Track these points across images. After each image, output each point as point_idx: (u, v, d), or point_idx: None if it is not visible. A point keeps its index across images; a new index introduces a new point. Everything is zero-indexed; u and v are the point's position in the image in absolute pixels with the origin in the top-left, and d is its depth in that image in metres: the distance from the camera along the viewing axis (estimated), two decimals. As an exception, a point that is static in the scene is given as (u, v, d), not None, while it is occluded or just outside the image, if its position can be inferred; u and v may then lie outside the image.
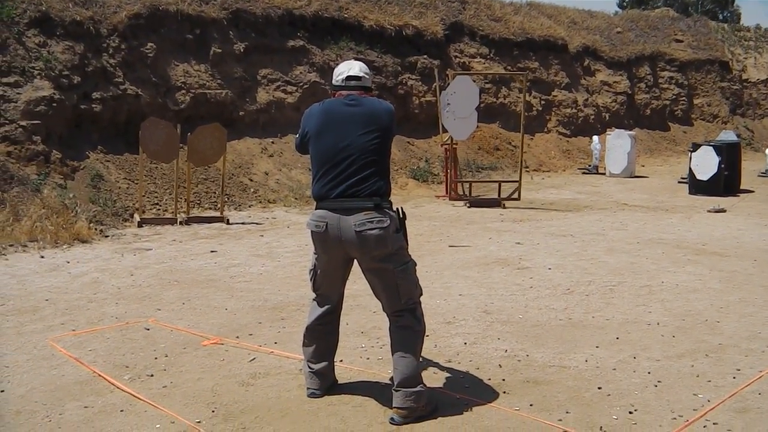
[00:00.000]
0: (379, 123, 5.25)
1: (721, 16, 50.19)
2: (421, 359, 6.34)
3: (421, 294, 5.43)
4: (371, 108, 5.30)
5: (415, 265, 5.40)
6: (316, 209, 5.31)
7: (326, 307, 5.59)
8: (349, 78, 5.43)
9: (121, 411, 5.31)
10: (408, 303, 5.29)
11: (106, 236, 12.02)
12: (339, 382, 5.81)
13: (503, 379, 6.03)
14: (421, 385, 5.26)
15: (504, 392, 5.77)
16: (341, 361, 6.11)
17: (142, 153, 13.37)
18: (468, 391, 5.77)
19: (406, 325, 5.29)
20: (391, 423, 5.13)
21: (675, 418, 5.32)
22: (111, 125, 15.61)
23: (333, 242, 5.24)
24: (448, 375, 6.11)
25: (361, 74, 5.45)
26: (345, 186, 5.17)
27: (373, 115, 5.26)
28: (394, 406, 5.20)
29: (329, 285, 5.55)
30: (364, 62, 5.88)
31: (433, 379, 5.98)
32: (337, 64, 5.66)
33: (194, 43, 17.71)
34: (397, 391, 5.20)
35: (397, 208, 5.37)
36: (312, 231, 5.32)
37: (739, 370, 6.34)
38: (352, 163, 5.17)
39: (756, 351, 6.83)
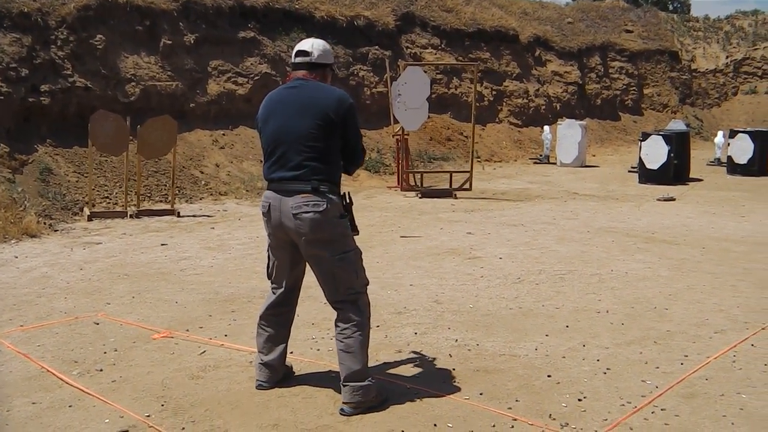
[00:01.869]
0: (318, 108, 5.12)
1: (671, 7, 50.59)
2: (414, 354, 6.34)
3: (367, 284, 5.38)
4: (312, 92, 5.20)
5: (360, 254, 5.34)
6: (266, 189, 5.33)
7: (278, 294, 5.56)
8: (297, 53, 5.35)
9: (70, 406, 5.28)
10: (348, 293, 5.24)
11: (56, 230, 11.91)
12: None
13: (453, 369, 6.07)
14: (370, 379, 5.24)
15: (454, 381, 5.81)
16: (291, 352, 6.10)
17: (91, 146, 13.25)
18: (418, 380, 5.81)
19: (347, 320, 5.25)
20: (341, 414, 5.14)
21: (624, 405, 5.39)
22: (60, 118, 15.44)
23: (276, 223, 5.22)
24: (398, 365, 6.14)
25: (311, 49, 5.32)
26: (285, 169, 5.14)
27: (311, 99, 5.16)
28: (342, 400, 5.20)
29: (279, 270, 5.50)
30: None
31: (384, 369, 6.01)
32: (288, 56, 5.61)
33: (144, 34, 17.57)
34: (344, 386, 5.20)
35: (344, 193, 5.32)
36: (262, 212, 5.32)
37: (686, 356, 6.44)
38: (290, 147, 5.13)
39: (704, 337, 6.94)
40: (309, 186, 5.08)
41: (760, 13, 37.55)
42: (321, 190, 5.09)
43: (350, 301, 5.26)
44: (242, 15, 19.75)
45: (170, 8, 18.13)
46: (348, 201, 5.33)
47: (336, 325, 5.31)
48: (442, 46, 25.05)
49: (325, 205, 5.07)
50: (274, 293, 5.59)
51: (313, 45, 5.36)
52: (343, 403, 5.19)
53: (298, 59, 5.34)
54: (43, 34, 15.64)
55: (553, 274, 9.31)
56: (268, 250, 5.55)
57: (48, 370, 5.96)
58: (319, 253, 5.16)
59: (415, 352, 6.44)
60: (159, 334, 6.85)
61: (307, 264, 5.45)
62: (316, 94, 5.20)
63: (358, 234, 5.39)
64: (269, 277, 5.59)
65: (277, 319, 5.60)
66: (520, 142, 25.35)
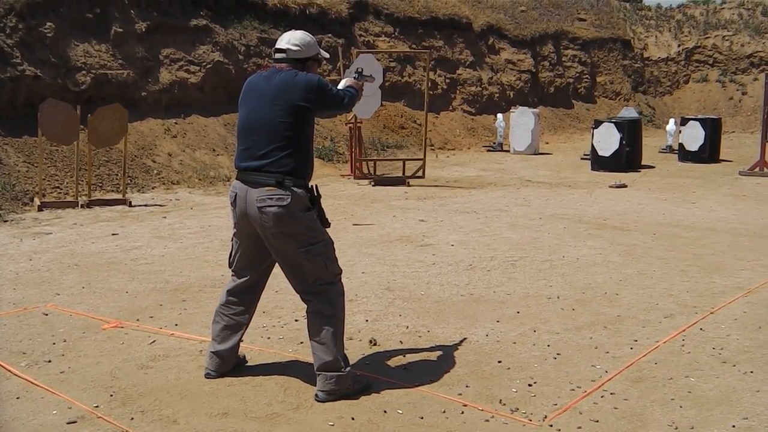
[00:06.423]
0: (289, 97, 5.11)
1: (622, -5, 50.84)
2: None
3: (339, 273, 5.39)
4: (284, 81, 5.17)
5: (330, 244, 5.32)
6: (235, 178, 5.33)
7: (238, 283, 5.54)
8: (276, 50, 5.36)
9: (17, 398, 5.24)
10: (316, 284, 5.24)
11: (5, 221, 11.74)
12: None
13: (404, 356, 6.09)
14: (344, 369, 5.25)
15: (404, 368, 5.84)
16: (242, 341, 6.08)
17: (41, 135, 13.10)
18: (369, 367, 5.83)
19: (317, 311, 5.25)
20: (315, 399, 5.19)
21: (573, 389, 5.45)
22: (9, 107, 15.23)
23: (241, 213, 5.22)
24: (349, 352, 6.13)
25: (287, 47, 5.31)
26: (252, 159, 5.15)
27: (283, 89, 5.14)
28: (317, 388, 5.24)
29: (242, 260, 5.49)
30: (274, 40, 5.63)
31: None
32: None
33: (94, 22, 17.35)
34: (318, 374, 5.22)
35: (312, 186, 5.30)
36: (229, 201, 5.33)
37: (636, 340, 6.52)
38: (259, 137, 5.14)
39: (653, 322, 7.03)
40: (273, 179, 5.07)
41: (711, 2, 37.85)
42: (285, 183, 5.08)
43: (320, 292, 5.26)
44: (194, 3, 19.53)
45: (121, -4, 17.94)
46: (316, 194, 5.31)
47: (307, 319, 5.33)
48: (396, 34, 25.03)
49: (288, 199, 5.05)
50: (233, 281, 5.58)
51: (289, 41, 5.36)
52: (317, 390, 5.23)
53: (278, 55, 5.35)
54: (-9, 22, 15.43)
55: (505, 260, 9.36)
56: (232, 239, 5.53)
57: (-5, 362, 5.91)
58: (285, 246, 5.16)
59: (366, 340, 6.46)
60: (109, 325, 6.81)
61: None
62: (285, 82, 5.18)
63: (329, 226, 5.37)
64: (230, 265, 5.58)
65: (234, 309, 5.57)
66: (473, 130, 25.42)
